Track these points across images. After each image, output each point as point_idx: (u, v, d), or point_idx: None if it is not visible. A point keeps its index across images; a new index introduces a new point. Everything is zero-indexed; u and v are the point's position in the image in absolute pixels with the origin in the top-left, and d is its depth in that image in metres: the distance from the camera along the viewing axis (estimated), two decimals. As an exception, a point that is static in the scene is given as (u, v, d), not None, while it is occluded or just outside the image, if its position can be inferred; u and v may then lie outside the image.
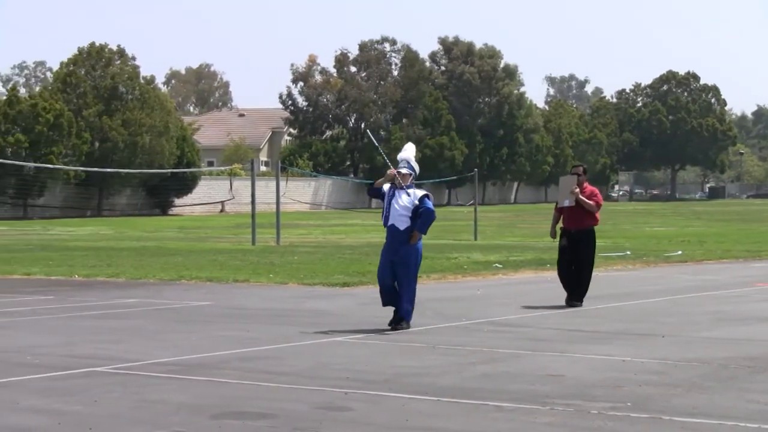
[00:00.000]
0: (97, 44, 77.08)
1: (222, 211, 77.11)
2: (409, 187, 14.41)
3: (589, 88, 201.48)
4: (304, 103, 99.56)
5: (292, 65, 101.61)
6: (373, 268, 23.89)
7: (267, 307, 17.24)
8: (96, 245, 35.69)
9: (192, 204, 75.69)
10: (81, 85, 75.15)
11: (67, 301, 18.06)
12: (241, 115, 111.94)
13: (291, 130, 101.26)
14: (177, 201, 78.56)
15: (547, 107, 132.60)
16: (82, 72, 76.29)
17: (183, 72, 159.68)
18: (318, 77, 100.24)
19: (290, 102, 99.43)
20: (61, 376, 10.65)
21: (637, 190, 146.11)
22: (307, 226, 52.01)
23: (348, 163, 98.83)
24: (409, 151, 14.80)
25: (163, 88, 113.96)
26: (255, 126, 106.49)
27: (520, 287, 20.75)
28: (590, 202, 17.12)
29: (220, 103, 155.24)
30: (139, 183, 74.63)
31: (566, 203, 17.11)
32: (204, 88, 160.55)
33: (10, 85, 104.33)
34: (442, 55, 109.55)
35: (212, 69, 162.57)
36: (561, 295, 17.33)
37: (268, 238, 36.19)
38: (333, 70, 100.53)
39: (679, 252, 31.18)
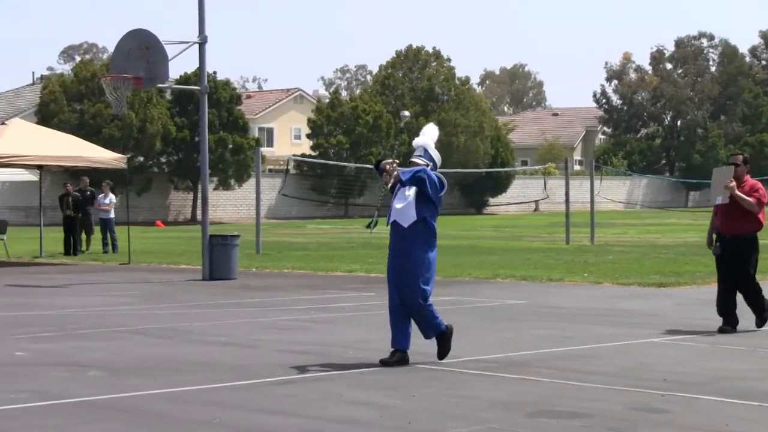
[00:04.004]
0: (414, 47, 78.76)
1: (536, 210, 77.18)
2: None
3: None
4: (619, 102, 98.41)
5: (606, 63, 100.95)
6: (690, 268, 23.43)
7: (581, 306, 17.19)
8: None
9: (506, 203, 76.14)
10: (399, 87, 76.99)
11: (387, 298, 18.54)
12: (555, 114, 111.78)
13: (605, 128, 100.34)
14: (491, 200, 79.28)
15: None
16: (400, 74, 78.13)
17: (497, 72, 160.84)
18: (633, 75, 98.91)
19: (604, 100, 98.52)
20: (382, 370, 10.99)
21: None
22: (621, 225, 51.38)
23: (663, 161, 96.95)
24: (427, 136, 11.61)
25: (478, 89, 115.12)
26: (569, 125, 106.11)
27: None
28: (749, 198, 13.68)
29: (534, 103, 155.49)
30: (454, 182, 75.63)
31: (719, 200, 13.89)
32: (518, 88, 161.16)
33: (332, 89, 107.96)
34: (763, 50, 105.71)
35: (526, 69, 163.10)
36: None
37: (582, 237, 36.01)
38: (648, 68, 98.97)
39: None
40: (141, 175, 59.65)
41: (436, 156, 11.48)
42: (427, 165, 11.30)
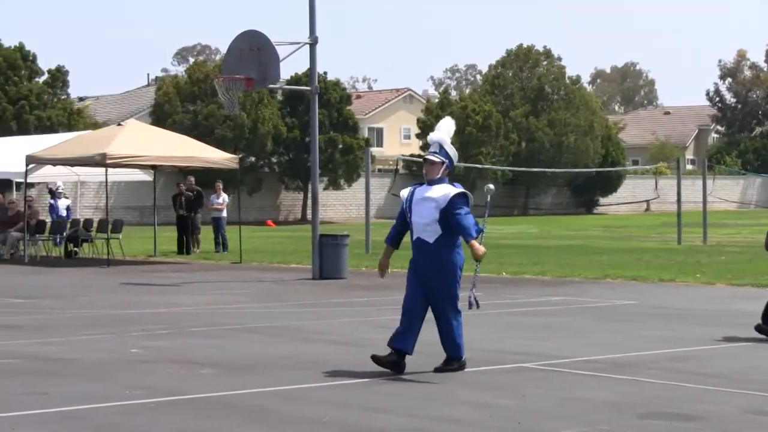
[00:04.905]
0: (525, 46, 78.41)
1: (647, 210, 76.29)
2: (439, 181, 10.88)
3: None
4: (732, 100, 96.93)
5: (719, 61, 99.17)
6: (805, 269, 22.97)
7: (693, 307, 16.99)
8: (522, 243, 36.31)
9: (617, 203, 75.48)
10: (508, 86, 76.72)
11: (497, 297, 18.52)
12: (667, 113, 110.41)
13: (718, 127, 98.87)
14: (602, 200, 78.60)
15: None
16: (510, 74, 77.84)
17: (608, 71, 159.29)
18: (747, 73, 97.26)
19: (717, 99, 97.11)
20: (493, 370, 11.01)
21: None
22: (735, 225, 50.58)
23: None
24: (443, 131, 10.92)
25: (589, 88, 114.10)
26: (681, 124, 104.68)
27: None
28: None
29: (645, 102, 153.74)
30: (564, 182, 75.19)
31: None
32: (629, 86, 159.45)
33: (442, 88, 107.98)
34: None
35: (638, 67, 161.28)
36: None
37: (694, 237, 35.56)
38: (763, 65, 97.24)
39: None
40: (252, 175, 60.30)
41: (452, 152, 11.00)
42: (443, 162, 10.85)
